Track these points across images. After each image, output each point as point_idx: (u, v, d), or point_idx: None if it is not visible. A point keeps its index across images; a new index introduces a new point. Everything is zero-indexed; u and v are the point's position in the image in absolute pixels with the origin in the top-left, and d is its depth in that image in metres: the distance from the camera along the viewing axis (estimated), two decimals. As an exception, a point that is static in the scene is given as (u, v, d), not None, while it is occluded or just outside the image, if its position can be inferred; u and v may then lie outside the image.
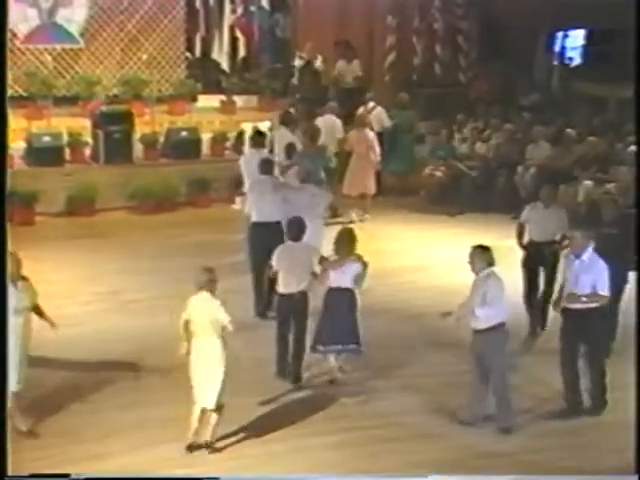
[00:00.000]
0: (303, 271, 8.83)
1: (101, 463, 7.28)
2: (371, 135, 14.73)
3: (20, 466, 6.67)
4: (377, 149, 14.63)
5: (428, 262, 12.09)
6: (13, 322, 7.15)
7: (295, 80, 17.47)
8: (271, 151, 13.11)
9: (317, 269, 8.82)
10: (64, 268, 11.70)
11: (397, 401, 8.48)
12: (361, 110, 15.81)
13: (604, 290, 8.04)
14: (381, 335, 9.71)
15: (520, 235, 10.11)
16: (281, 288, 8.93)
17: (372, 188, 14.56)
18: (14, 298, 7.34)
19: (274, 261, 8.97)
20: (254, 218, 10.61)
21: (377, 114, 15.84)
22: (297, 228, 9.10)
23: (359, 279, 8.75)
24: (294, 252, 8.95)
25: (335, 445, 7.70)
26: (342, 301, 8.73)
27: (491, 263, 7.91)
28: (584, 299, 7.98)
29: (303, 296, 8.85)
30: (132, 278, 11.43)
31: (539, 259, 9.94)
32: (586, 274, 8.03)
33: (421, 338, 9.76)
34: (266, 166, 11.12)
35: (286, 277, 8.85)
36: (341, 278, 8.73)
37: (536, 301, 9.96)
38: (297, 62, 17.65)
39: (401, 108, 16.41)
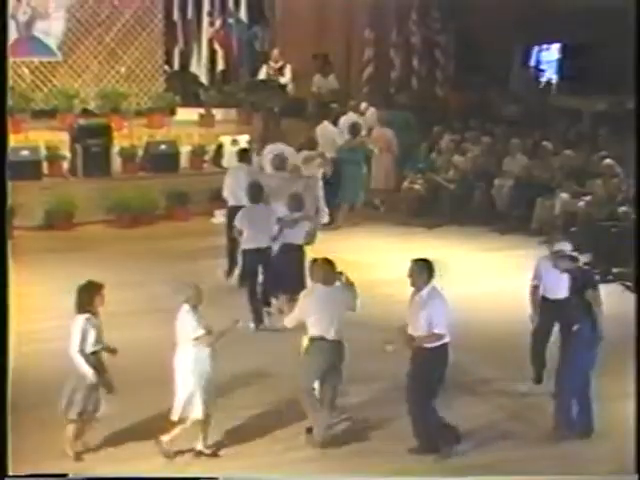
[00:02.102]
0: (264, 228, 10.27)
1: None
2: (389, 132, 15.74)
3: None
4: (395, 146, 15.71)
5: (406, 275, 12.11)
6: (195, 351, 7.57)
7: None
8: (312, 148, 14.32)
9: (275, 230, 10.24)
10: (42, 282, 11.66)
11: (376, 412, 8.49)
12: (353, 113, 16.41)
13: (439, 328, 7.39)
14: (358, 347, 9.73)
15: (534, 298, 8.89)
16: (245, 244, 10.37)
17: (392, 183, 15.67)
18: (195, 325, 7.65)
19: (237, 221, 10.45)
20: (231, 202, 11.78)
21: (370, 115, 16.44)
22: (256, 191, 10.57)
23: (309, 236, 10.31)
24: (255, 212, 10.42)
25: (316, 457, 7.72)
26: (293, 255, 10.07)
27: (324, 278, 7.84)
28: (426, 340, 7.39)
29: (268, 250, 10.30)
30: (110, 292, 11.31)
31: (553, 318, 8.72)
32: (423, 310, 7.43)
33: (399, 350, 9.76)
34: (242, 155, 12.54)
35: (249, 234, 10.30)
36: (294, 235, 10.26)
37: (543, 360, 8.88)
38: (263, 74, 17.67)
39: (397, 109, 17.17)
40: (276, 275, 10.31)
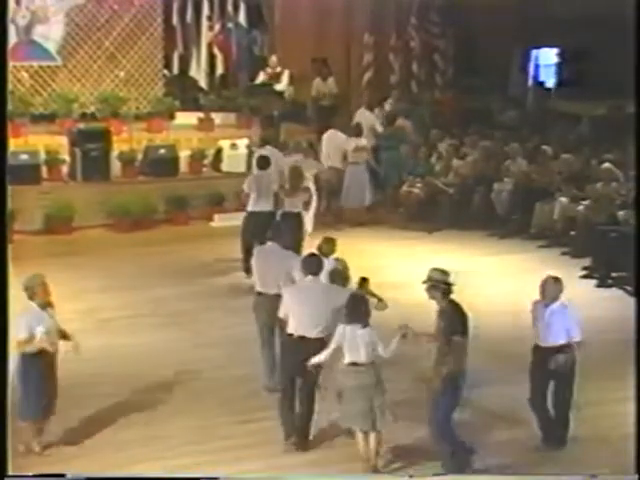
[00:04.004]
0: (269, 193, 11.90)
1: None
2: (409, 124, 16.95)
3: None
4: (413, 138, 16.74)
5: (406, 279, 12.12)
6: None
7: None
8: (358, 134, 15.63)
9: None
10: (41, 286, 11.65)
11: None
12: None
13: None
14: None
15: None
16: (251, 207, 11.90)
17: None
18: None
19: (245, 186, 12.08)
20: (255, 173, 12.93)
21: (389, 108, 17.58)
22: (263, 161, 12.33)
23: (307, 205, 12.09)
24: (261, 179, 12.05)
25: (312, 463, 7.71)
26: (292, 222, 11.41)
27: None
28: None
29: (271, 214, 11.77)
30: (110, 296, 11.42)
31: (546, 369, 7.76)
32: None
33: (399, 355, 9.76)
34: (269, 134, 14.68)
35: (257, 198, 11.85)
36: (293, 204, 11.89)
37: (546, 412, 7.94)
38: (261, 78, 17.66)
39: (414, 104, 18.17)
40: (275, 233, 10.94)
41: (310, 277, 7.93)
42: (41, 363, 7.50)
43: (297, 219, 11.90)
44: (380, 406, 7.35)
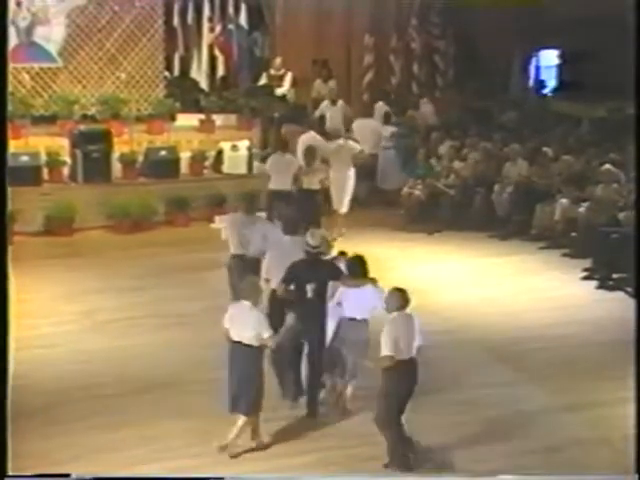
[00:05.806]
0: (289, 173, 12.99)
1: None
2: (417, 115, 18.10)
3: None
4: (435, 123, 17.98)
5: (406, 281, 12.10)
6: None
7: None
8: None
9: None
10: (41, 287, 11.67)
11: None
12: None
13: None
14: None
15: None
16: (272, 185, 13.04)
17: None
18: None
19: (267, 167, 13.35)
20: (275, 154, 13.81)
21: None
22: (283, 144, 13.68)
23: (324, 183, 13.35)
24: (282, 160, 13.19)
25: (315, 464, 7.71)
26: (310, 199, 12.69)
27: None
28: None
29: (290, 193, 12.81)
30: (109, 298, 11.41)
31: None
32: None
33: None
34: (294, 117, 16.24)
35: (276, 178, 13.02)
36: (310, 182, 12.98)
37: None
38: (264, 80, 17.69)
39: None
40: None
41: (289, 237, 8.91)
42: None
43: (313, 196, 13.02)
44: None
